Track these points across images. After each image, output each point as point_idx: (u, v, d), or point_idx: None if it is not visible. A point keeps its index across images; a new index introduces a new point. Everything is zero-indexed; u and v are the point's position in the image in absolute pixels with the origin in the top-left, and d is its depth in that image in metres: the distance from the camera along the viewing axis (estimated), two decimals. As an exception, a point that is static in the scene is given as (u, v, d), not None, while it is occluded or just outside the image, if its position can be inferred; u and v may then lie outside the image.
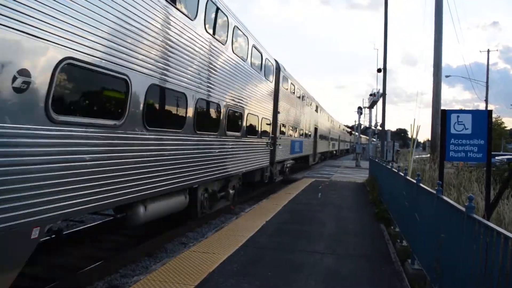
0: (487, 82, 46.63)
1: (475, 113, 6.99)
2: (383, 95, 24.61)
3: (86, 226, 8.20)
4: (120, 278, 6.29)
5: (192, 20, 7.60)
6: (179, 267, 5.55)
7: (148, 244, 7.56)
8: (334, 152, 48.80)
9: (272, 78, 15.09)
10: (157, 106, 6.63)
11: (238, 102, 10.78)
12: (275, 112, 15.55)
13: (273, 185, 16.91)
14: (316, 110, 29.40)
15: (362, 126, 45.56)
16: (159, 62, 6.36)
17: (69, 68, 4.38)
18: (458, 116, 6.82)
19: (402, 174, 7.50)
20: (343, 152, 62.72)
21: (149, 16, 6.03)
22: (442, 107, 17.77)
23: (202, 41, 8.09)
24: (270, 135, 14.81)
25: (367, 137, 43.31)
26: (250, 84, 11.92)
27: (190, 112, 7.62)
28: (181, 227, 8.91)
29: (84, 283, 5.69)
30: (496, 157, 23.09)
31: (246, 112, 11.50)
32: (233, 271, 5.46)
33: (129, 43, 5.52)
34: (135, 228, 7.31)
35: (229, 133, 10.06)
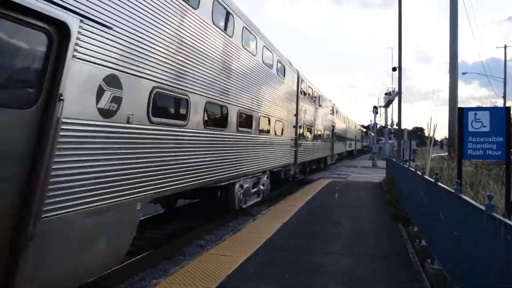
0: (504, 78, 45.69)
1: (492, 110, 6.85)
2: (399, 93, 24.35)
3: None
4: (139, 281, 6.38)
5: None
6: (197, 270, 5.60)
7: (167, 248, 7.66)
8: (351, 151, 48.50)
9: (294, 84, 16.28)
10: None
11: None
12: (297, 116, 16.56)
13: (290, 185, 17.49)
14: (332, 112, 29.12)
15: (378, 126, 45.14)
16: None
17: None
18: (475, 114, 6.70)
19: (420, 173, 7.42)
20: (359, 151, 62.28)
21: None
22: (459, 105, 17.47)
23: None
24: (294, 137, 16.28)
25: (375, 135, 42.83)
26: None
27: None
28: (198, 229, 9.00)
29: (103, 286, 5.78)
30: (517, 154, 22.59)
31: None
32: (251, 274, 5.49)
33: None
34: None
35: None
